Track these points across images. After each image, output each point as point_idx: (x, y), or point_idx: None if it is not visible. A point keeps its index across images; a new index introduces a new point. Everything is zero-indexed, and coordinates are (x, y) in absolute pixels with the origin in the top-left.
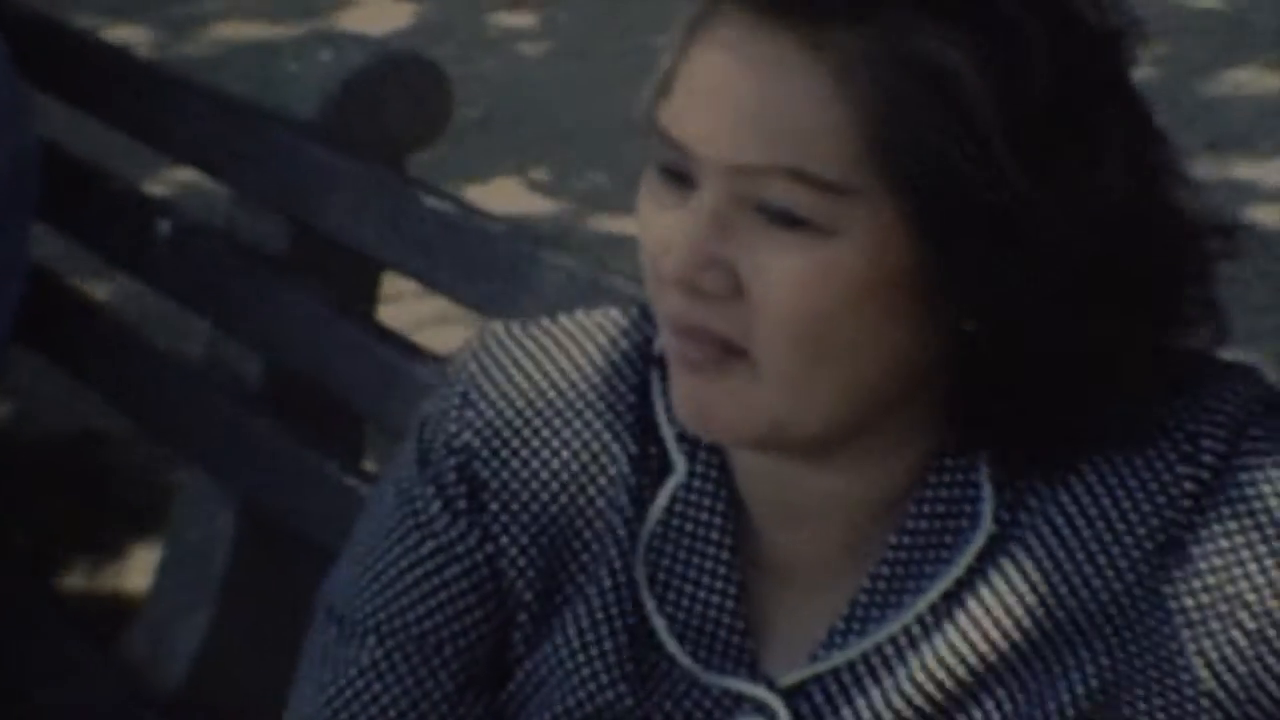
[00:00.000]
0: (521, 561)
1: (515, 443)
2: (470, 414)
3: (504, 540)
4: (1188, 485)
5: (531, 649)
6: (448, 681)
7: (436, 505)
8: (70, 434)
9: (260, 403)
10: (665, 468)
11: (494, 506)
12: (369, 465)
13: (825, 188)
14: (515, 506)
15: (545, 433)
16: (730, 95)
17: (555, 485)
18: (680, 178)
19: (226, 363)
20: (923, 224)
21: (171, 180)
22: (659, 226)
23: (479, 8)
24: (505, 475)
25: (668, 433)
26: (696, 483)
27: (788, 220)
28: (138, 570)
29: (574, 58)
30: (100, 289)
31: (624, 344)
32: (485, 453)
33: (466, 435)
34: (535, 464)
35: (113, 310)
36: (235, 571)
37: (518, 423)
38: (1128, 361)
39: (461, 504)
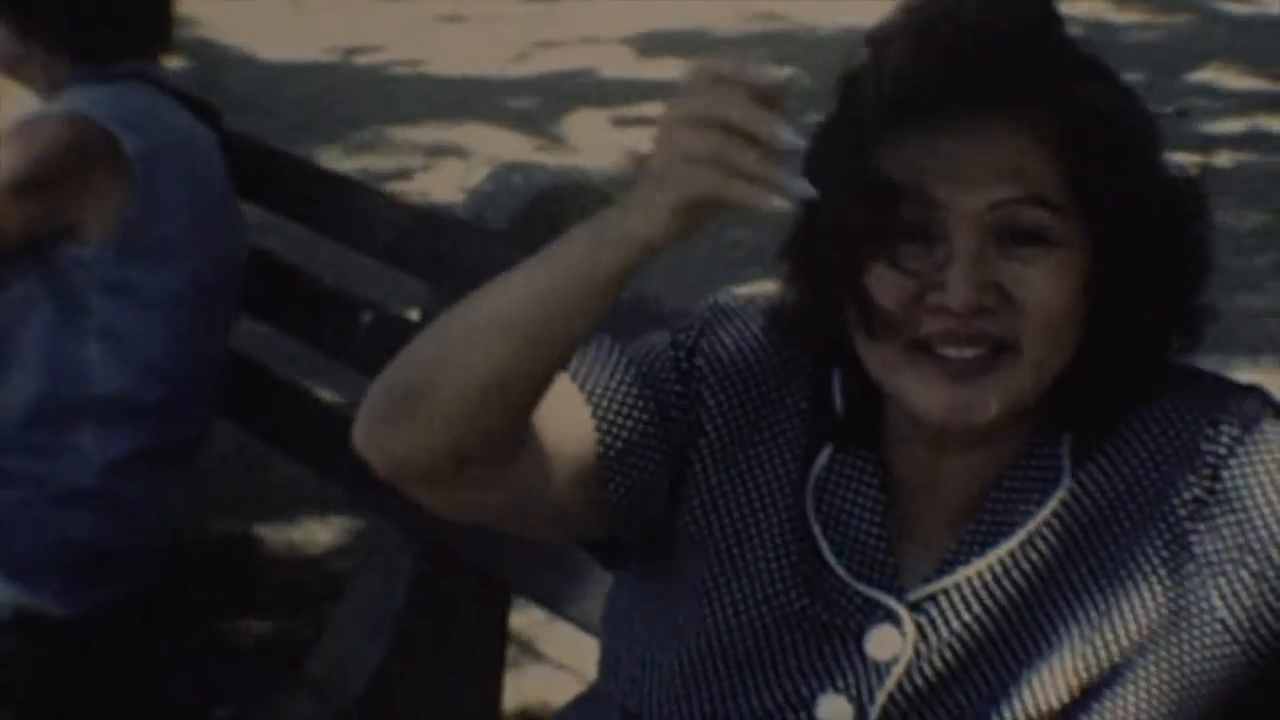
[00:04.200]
0: (713, 407)
1: (727, 366)
2: (703, 341)
3: (704, 394)
4: (1209, 459)
5: (705, 510)
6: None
7: (668, 353)
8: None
9: None
10: (828, 430)
11: (702, 383)
12: None
13: (1054, 208)
14: (718, 389)
15: (746, 373)
16: (976, 160)
17: (745, 401)
18: (917, 237)
19: None
20: (1098, 230)
21: (372, 279)
22: (911, 276)
23: None
24: (713, 375)
25: (837, 400)
26: (856, 445)
27: (1034, 237)
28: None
29: None
30: (308, 379)
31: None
32: (705, 366)
33: (699, 358)
34: (733, 384)
35: (309, 389)
36: (412, 603)
37: (734, 357)
38: (1174, 341)
39: (684, 365)
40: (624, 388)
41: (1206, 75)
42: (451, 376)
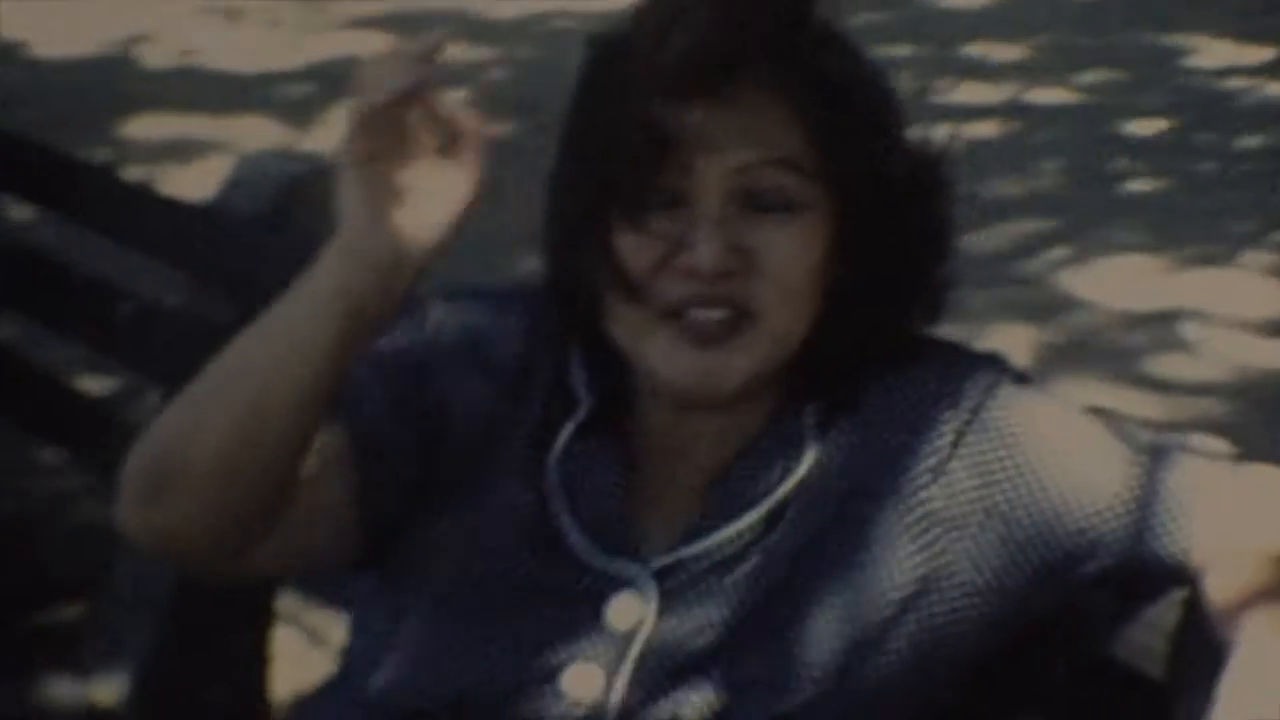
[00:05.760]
0: (453, 393)
1: (464, 349)
2: (437, 330)
3: (444, 383)
4: (951, 425)
5: (449, 494)
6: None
7: (404, 350)
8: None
9: None
10: (568, 409)
11: (440, 373)
12: None
13: (799, 172)
14: (456, 374)
15: (485, 354)
16: (722, 125)
17: (485, 383)
18: (666, 201)
19: None
20: (842, 197)
21: (133, 269)
22: (659, 239)
23: None
24: (450, 361)
25: (578, 380)
26: (598, 420)
27: (780, 203)
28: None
29: None
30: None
31: (539, 314)
32: (442, 355)
33: (435, 350)
34: (472, 367)
35: (69, 380)
36: (175, 587)
37: (471, 339)
38: (916, 311)
39: (420, 357)
40: (366, 395)
41: (973, 49)
42: (198, 450)
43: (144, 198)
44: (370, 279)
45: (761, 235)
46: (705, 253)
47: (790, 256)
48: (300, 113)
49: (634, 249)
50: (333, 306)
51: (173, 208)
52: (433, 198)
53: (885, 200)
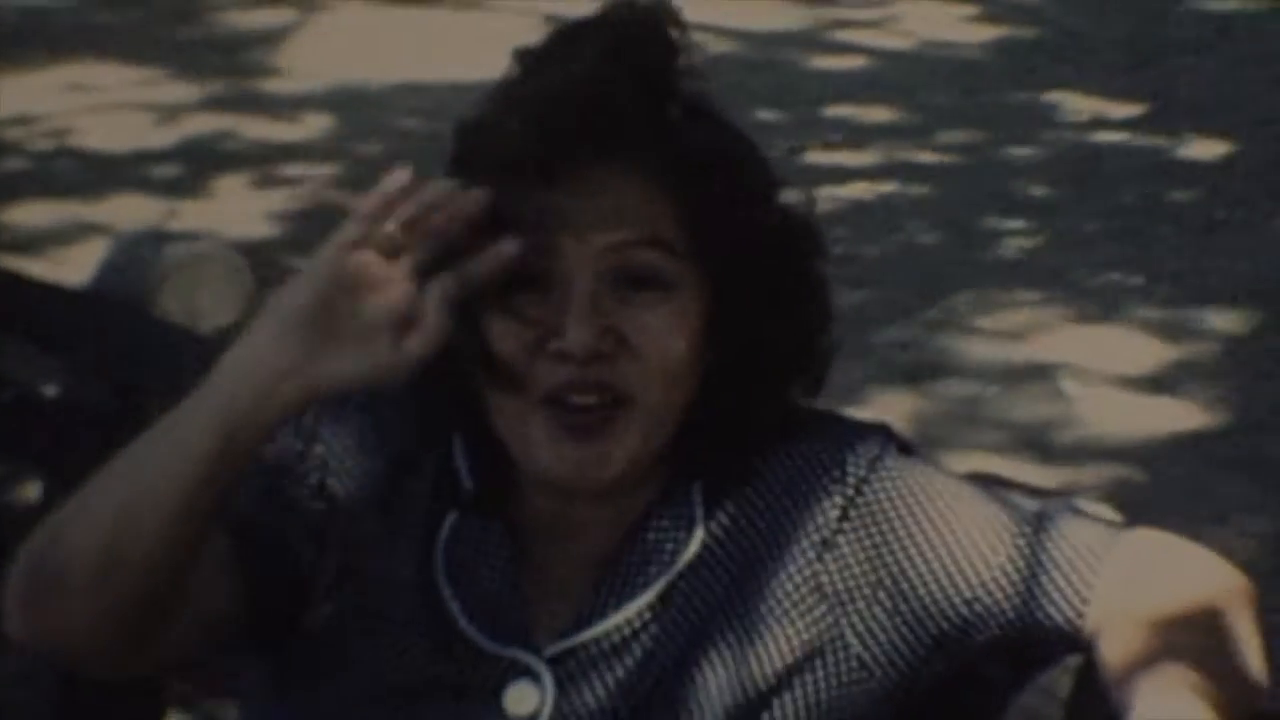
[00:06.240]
0: (340, 489)
1: (349, 443)
2: (322, 425)
3: (330, 480)
4: (838, 499)
5: (342, 591)
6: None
7: (292, 441)
8: None
9: None
10: (455, 494)
11: (326, 469)
12: None
13: (669, 250)
14: (342, 470)
15: (369, 447)
16: (590, 206)
17: (371, 475)
18: (536, 286)
19: None
20: (714, 271)
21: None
22: (530, 325)
23: None
24: (335, 457)
25: (461, 464)
26: (483, 506)
27: (651, 282)
28: None
29: None
30: None
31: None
32: (326, 450)
33: (319, 444)
34: (357, 460)
35: None
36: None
37: (356, 433)
38: (798, 384)
39: (307, 452)
40: (247, 490)
41: (845, 110)
42: (79, 554)
43: (19, 282)
44: (259, 401)
45: (633, 316)
46: (576, 336)
47: (663, 337)
48: (173, 191)
49: (505, 335)
50: (214, 420)
51: (48, 291)
52: (363, 350)
53: (759, 273)
